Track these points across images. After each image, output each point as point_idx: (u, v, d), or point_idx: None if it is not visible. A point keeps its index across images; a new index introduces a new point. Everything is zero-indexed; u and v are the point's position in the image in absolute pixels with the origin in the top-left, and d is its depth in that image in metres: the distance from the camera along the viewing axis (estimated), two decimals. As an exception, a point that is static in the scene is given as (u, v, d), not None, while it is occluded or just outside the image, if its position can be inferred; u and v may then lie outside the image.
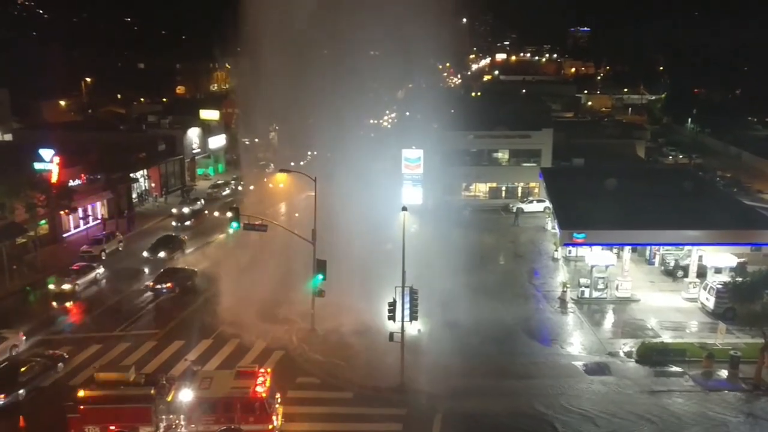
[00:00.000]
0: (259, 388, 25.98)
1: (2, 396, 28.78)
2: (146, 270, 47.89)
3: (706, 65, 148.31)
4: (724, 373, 32.22)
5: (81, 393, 25.64)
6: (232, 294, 41.26)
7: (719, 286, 38.72)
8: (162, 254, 49.82)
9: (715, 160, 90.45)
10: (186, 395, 25.74)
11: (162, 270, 44.95)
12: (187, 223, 60.43)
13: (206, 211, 63.98)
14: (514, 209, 64.06)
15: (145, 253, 50.08)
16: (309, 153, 44.97)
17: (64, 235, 54.88)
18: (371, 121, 60.17)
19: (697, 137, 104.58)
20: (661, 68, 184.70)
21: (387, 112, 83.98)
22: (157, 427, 25.65)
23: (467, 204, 65.41)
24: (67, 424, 25.55)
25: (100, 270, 46.47)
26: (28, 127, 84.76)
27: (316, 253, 35.38)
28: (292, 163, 43.64)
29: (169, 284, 42.42)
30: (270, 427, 25.73)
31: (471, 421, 28.01)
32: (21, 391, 29.63)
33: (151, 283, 43.12)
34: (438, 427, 27.59)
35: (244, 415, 25.56)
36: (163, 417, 25.79)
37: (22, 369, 30.36)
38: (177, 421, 25.82)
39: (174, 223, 60.06)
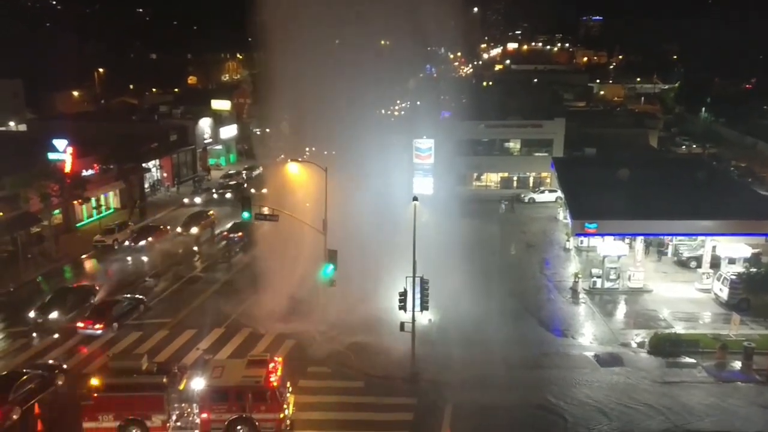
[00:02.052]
0: (270, 377, 26.11)
1: (101, 326, 34.83)
2: (35, 341, 35.20)
3: (720, 54, 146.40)
4: (737, 365, 31.93)
5: (94, 381, 25.90)
6: (242, 286, 41.65)
7: (733, 277, 38.43)
8: (54, 315, 36.44)
9: (729, 149, 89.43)
10: (198, 384, 25.93)
11: (232, 223, 53.32)
12: (142, 243, 50.31)
13: (168, 227, 54.07)
14: (526, 198, 63.81)
15: (32, 314, 36.74)
16: (307, 149, 41.99)
17: (77, 225, 55.41)
18: (381, 112, 59.70)
19: (710, 127, 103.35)
20: (675, 57, 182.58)
21: (398, 101, 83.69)
22: (169, 416, 25.87)
23: (504, 197, 62.79)
24: (81, 412, 25.84)
25: None
26: (42, 118, 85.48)
27: (326, 244, 35.41)
28: (289, 159, 42.47)
29: (240, 233, 50.30)
30: (281, 415, 25.86)
31: (481, 411, 27.99)
32: (115, 325, 35.64)
33: (225, 233, 51.63)
34: (448, 416, 27.61)
35: (256, 404, 25.69)
36: (175, 405, 26.03)
37: (114, 307, 36.48)
38: (189, 410, 26.04)
39: (128, 243, 50.42)
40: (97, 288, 40.62)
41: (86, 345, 34.53)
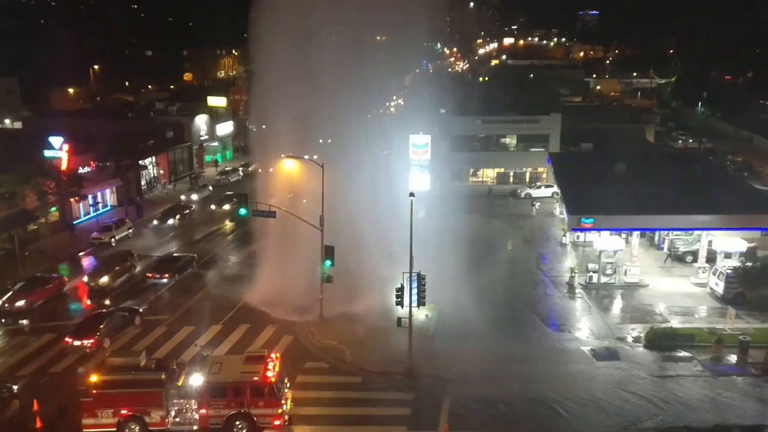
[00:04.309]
0: (268, 373, 26.21)
1: (168, 275, 42.42)
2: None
3: (717, 47, 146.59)
4: (733, 358, 32.13)
5: (93, 377, 25.97)
6: (240, 281, 41.71)
7: (729, 271, 38.60)
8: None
9: (725, 144, 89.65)
10: (196, 380, 26.02)
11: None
12: (20, 303, 37.53)
13: (66, 278, 42.19)
14: (522, 194, 63.84)
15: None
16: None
17: (75, 222, 55.29)
18: (378, 107, 59.56)
19: (707, 121, 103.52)
20: (672, 51, 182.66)
21: (394, 97, 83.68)
22: (167, 411, 25.96)
23: (534, 199, 61.12)
24: (80, 408, 25.91)
25: None
26: (37, 115, 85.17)
27: (324, 240, 35.49)
28: (286, 156, 41.25)
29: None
30: (279, 411, 25.97)
31: (479, 405, 28.14)
32: (176, 275, 42.86)
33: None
34: (446, 411, 27.72)
35: (254, 400, 25.82)
36: (174, 401, 26.10)
37: (176, 262, 44.05)
38: (187, 406, 26.12)
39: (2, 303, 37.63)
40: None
41: (154, 292, 41.43)
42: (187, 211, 59.21)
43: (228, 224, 56.63)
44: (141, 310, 37.50)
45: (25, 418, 26.94)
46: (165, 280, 42.40)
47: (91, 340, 33.15)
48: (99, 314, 35.65)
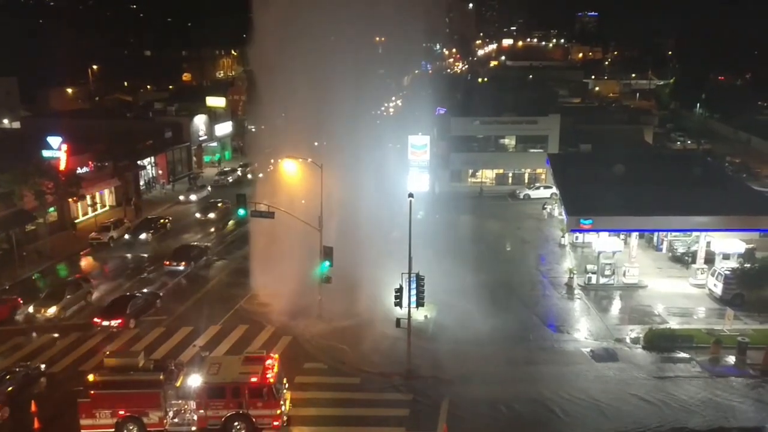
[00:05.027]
0: (267, 374, 26.16)
1: (185, 263, 44.36)
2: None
3: (716, 49, 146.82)
4: (731, 359, 32.12)
5: (91, 378, 25.91)
6: (239, 281, 41.63)
7: (727, 272, 38.64)
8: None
9: (724, 145, 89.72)
10: (194, 380, 25.97)
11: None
12: None
13: (20, 299, 38.36)
14: (521, 195, 63.80)
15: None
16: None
17: (76, 221, 55.13)
18: (377, 108, 59.46)
19: (705, 122, 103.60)
20: (670, 53, 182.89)
21: (393, 98, 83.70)
22: (166, 412, 25.90)
23: (546, 201, 59.09)
24: (77, 409, 25.84)
25: None
26: (36, 115, 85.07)
27: (322, 240, 35.46)
28: (285, 156, 40.58)
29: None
30: (278, 412, 25.94)
31: (477, 406, 28.11)
32: (192, 263, 44.72)
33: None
34: (444, 412, 27.64)
35: (252, 400, 25.78)
36: (172, 402, 26.05)
37: (191, 251, 45.92)
38: (186, 406, 26.07)
39: None
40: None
41: (170, 278, 43.50)
42: (165, 221, 54.48)
43: (214, 232, 54.14)
44: (161, 294, 39.79)
45: (49, 395, 28.61)
46: (182, 268, 44.05)
47: (119, 320, 35.39)
48: (125, 296, 37.90)
